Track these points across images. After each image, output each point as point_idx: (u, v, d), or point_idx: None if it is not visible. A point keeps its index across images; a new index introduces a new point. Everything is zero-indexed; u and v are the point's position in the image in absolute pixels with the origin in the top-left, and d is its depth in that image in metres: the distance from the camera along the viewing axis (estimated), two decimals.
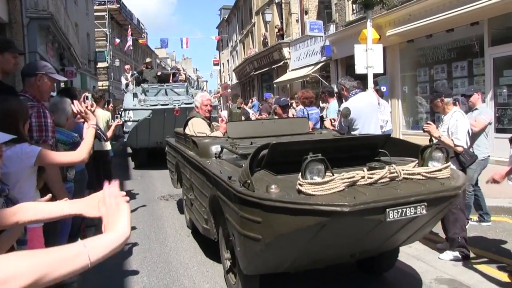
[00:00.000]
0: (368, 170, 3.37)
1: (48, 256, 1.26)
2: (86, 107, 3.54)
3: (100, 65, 35.68)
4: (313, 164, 3.12)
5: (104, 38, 38.50)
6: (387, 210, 3.09)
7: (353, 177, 3.23)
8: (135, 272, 5.43)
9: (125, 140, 13.38)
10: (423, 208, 3.23)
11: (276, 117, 6.94)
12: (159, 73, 16.16)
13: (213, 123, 6.99)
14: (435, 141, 5.14)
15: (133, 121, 12.32)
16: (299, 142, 4.27)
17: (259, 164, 3.73)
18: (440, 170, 3.60)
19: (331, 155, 3.23)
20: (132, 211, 8.04)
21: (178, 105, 12.08)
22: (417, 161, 3.75)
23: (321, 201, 2.98)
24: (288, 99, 7.13)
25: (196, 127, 6.34)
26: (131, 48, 37.82)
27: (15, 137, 2.27)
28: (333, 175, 3.14)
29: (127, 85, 15.53)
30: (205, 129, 6.32)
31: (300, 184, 3.10)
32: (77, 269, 1.30)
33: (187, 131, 6.41)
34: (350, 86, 6.30)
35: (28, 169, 3.01)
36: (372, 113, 6.26)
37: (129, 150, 14.75)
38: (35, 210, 1.99)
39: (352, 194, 3.09)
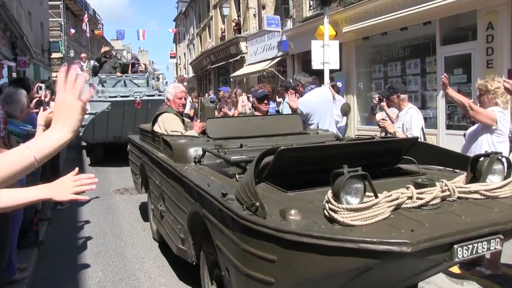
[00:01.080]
0: (415, 188, 2.52)
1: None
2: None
3: (54, 55, 34.25)
4: (350, 181, 2.27)
5: (59, 28, 36.94)
6: (455, 247, 2.19)
7: (398, 198, 2.41)
8: (90, 266, 5.22)
9: (80, 134, 11.74)
10: (497, 242, 2.32)
11: (258, 113, 5.92)
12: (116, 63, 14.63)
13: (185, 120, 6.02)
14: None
15: (89, 113, 11.04)
16: (314, 147, 3.38)
17: (259, 174, 2.90)
18: (502, 187, 2.74)
19: (348, 163, 2.38)
20: (86, 203, 7.66)
21: (140, 97, 11.11)
22: (465, 174, 2.91)
23: (368, 235, 2.10)
24: (266, 91, 6.30)
25: (168, 124, 5.30)
26: (88, 35, 36.81)
27: None
28: (376, 196, 2.31)
29: None
30: (179, 127, 5.27)
31: (333, 210, 2.24)
32: (25, 167, 1.40)
33: (157, 128, 5.35)
34: (306, 82, 6.33)
35: None
36: (327, 108, 6.30)
37: (84, 143, 13.58)
38: (6, 196, 1.88)
39: (402, 224, 2.24)
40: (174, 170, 4.04)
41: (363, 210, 2.24)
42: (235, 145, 4.00)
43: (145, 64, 16.30)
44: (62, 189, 1.88)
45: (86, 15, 36.13)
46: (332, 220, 2.25)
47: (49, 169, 6.62)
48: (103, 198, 8.49)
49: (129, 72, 14.46)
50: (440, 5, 10.31)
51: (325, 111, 6.17)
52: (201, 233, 3.54)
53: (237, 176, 3.03)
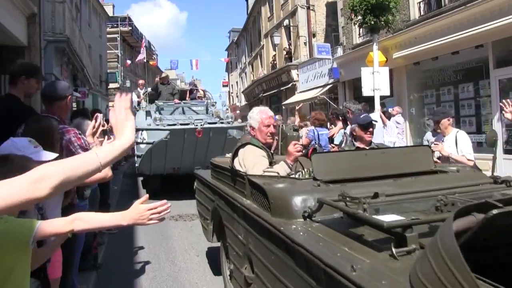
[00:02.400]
0: None
1: (69, 162, 1.64)
2: (100, 125, 3.82)
3: (111, 85, 36.24)
4: None
5: (116, 60, 39.19)
6: None
7: None
8: None
9: (136, 165, 11.38)
10: None
11: (359, 144, 4.98)
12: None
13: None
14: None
15: (147, 143, 10.48)
16: None
17: None
18: None
19: None
20: (141, 230, 8.18)
21: (201, 125, 10.30)
22: None
23: None
24: (370, 115, 5.53)
25: (249, 159, 4.20)
26: (145, 60, 38.13)
27: (57, 155, 2.60)
28: None
29: (139, 102, 13.82)
30: (262, 164, 4.12)
31: None
32: (91, 170, 1.65)
33: (237, 165, 4.33)
34: (355, 109, 6.51)
35: None
36: (377, 135, 6.47)
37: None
38: (89, 219, 2.26)
39: None
40: (273, 227, 2.93)
41: None
42: (359, 191, 2.80)
43: (203, 90, 15.76)
44: (141, 216, 2.26)
45: (144, 41, 37.41)
46: None
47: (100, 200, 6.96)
48: (158, 224, 8.64)
49: (187, 98, 14.23)
50: (492, 28, 10.49)
51: (375, 137, 6.34)
52: None
53: (394, 250, 2.01)
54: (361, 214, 2.30)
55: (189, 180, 10.14)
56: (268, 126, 4.43)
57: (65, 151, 3.54)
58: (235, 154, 4.43)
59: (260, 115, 4.48)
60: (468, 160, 5.64)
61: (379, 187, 2.97)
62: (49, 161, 2.32)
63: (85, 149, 3.62)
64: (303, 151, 4.01)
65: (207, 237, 5.57)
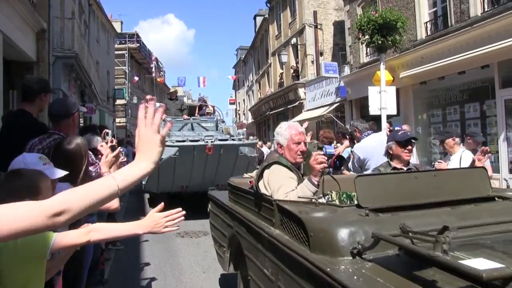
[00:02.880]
0: None
1: (88, 190, 1.52)
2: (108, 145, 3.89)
3: (118, 102, 36.56)
4: None
5: (123, 76, 39.64)
6: None
7: None
8: None
9: (143, 182, 10.74)
10: None
11: (396, 163, 4.60)
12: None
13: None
14: None
15: None
16: None
17: None
18: None
19: None
20: (147, 246, 8.24)
21: (211, 142, 9.93)
22: None
23: None
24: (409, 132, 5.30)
25: (278, 181, 3.68)
26: (155, 67, 38.28)
27: (67, 173, 2.68)
28: None
29: None
30: (293, 186, 3.62)
31: None
32: (109, 194, 1.51)
33: (262, 187, 3.82)
34: (363, 128, 6.54)
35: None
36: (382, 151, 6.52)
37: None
38: (105, 229, 2.35)
39: None
40: (315, 267, 2.41)
41: None
42: (417, 222, 2.43)
43: (213, 106, 15.34)
44: (157, 224, 2.29)
45: (154, 58, 37.70)
46: None
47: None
48: (164, 241, 8.77)
49: (196, 115, 13.85)
50: (498, 48, 10.67)
51: (382, 156, 6.36)
52: None
53: None
54: (442, 258, 1.83)
55: (197, 198, 10.09)
56: (298, 143, 3.90)
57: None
58: (260, 176, 3.90)
59: (289, 131, 3.95)
60: None
61: (438, 217, 2.62)
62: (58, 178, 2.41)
63: (92, 164, 3.73)
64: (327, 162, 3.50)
65: (223, 266, 5.07)
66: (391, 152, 4.66)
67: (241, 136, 11.13)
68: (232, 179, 5.13)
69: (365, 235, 2.35)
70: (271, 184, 3.68)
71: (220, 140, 10.23)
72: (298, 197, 3.39)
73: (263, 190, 3.75)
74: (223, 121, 13.09)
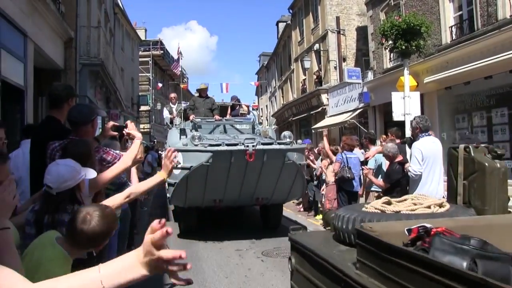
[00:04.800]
0: None
1: (69, 282, 1.44)
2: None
3: (142, 108, 37.01)
4: None
5: (147, 83, 40.17)
6: None
7: None
8: None
9: (168, 195, 9.15)
10: None
11: None
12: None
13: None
14: None
15: (182, 168, 8.17)
16: None
17: None
18: None
19: None
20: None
21: (253, 146, 8.02)
22: None
23: None
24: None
25: None
26: (180, 69, 38.50)
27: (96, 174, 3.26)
28: None
29: (171, 120, 12.03)
30: None
31: None
32: None
33: None
34: (424, 127, 6.49)
35: (86, 200, 3.21)
36: (440, 158, 6.45)
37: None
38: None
39: None
40: None
41: None
42: None
43: (247, 106, 13.69)
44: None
45: (179, 60, 37.92)
46: None
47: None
48: (187, 245, 8.80)
49: (229, 115, 12.32)
50: None
51: (437, 159, 6.37)
52: None
53: None
54: None
55: (229, 214, 9.73)
56: None
57: (99, 167, 3.70)
58: None
59: None
60: None
61: None
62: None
63: (118, 157, 3.89)
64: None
65: None
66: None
67: (288, 140, 8.97)
68: (367, 225, 2.63)
69: None
70: None
71: (263, 144, 8.39)
72: None
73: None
74: (260, 123, 11.17)
